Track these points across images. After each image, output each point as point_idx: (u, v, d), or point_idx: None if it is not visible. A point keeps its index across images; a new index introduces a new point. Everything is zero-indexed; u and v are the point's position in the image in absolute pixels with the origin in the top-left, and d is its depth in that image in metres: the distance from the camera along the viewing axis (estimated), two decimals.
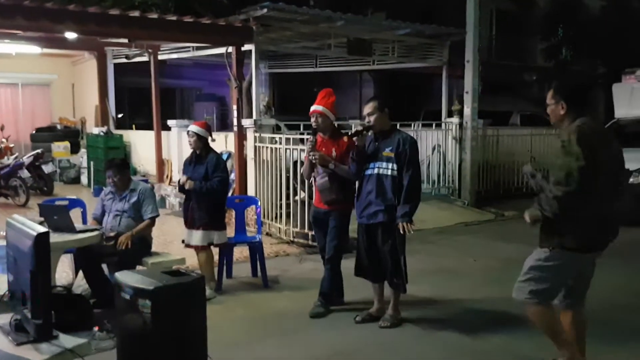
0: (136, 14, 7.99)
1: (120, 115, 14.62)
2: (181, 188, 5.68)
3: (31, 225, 3.03)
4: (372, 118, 4.67)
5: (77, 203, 6.29)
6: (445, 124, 11.20)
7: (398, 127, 9.78)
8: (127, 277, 3.11)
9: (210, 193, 5.53)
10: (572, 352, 3.68)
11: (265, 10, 8.55)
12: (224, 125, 15.62)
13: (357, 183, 4.93)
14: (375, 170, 4.66)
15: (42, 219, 4.94)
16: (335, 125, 5.24)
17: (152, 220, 5.45)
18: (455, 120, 11.00)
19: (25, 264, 2.88)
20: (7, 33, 9.14)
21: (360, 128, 4.73)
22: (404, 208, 4.53)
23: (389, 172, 4.60)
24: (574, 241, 3.46)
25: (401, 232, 4.56)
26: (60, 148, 13.50)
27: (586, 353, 3.76)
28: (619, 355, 4.27)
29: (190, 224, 5.65)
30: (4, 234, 4.83)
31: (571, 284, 3.64)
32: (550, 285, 3.57)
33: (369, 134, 4.73)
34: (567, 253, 3.48)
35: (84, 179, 12.92)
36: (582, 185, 3.26)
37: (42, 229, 2.87)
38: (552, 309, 3.67)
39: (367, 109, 4.70)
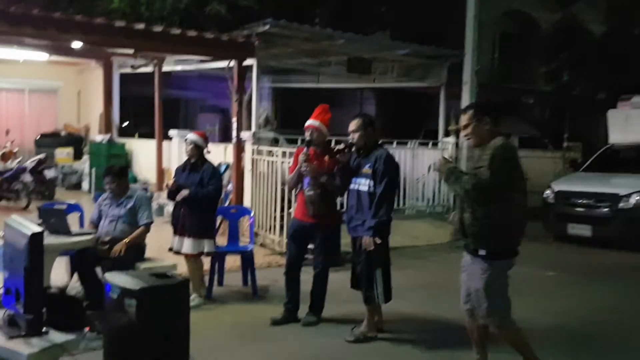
0: (141, 26, 8.20)
1: (125, 124, 14.79)
2: (170, 194, 5.77)
3: (28, 225, 3.18)
4: (355, 135, 4.80)
5: (75, 208, 6.49)
6: (442, 143, 11.38)
7: (395, 144, 10.09)
8: (115, 278, 3.26)
9: (204, 199, 5.64)
10: None
11: (267, 26, 8.75)
12: (226, 137, 15.76)
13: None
14: (356, 187, 4.83)
15: (40, 221, 5.10)
16: (330, 141, 5.41)
17: (147, 227, 5.58)
18: (451, 139, 11.17)
19: (20, 261, 3.02)
20: (16, 40, 9.37)
21: (342, 146, 4.87)
22: (370, 223, 4.66)
23: (366, 189, 4.74)
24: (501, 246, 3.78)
25: (363, 247, 4.68)
26: (63, 154, 13.70)
27: None
28: None
29: (180, 231, 5.73)
30: (2, 234, 5.03)
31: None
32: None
33: (352, 150, 4.87)
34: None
35: (85, 184, 13.09)
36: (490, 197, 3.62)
37: (38, 228, 3.03)
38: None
39: (352, 126, 4.83)
